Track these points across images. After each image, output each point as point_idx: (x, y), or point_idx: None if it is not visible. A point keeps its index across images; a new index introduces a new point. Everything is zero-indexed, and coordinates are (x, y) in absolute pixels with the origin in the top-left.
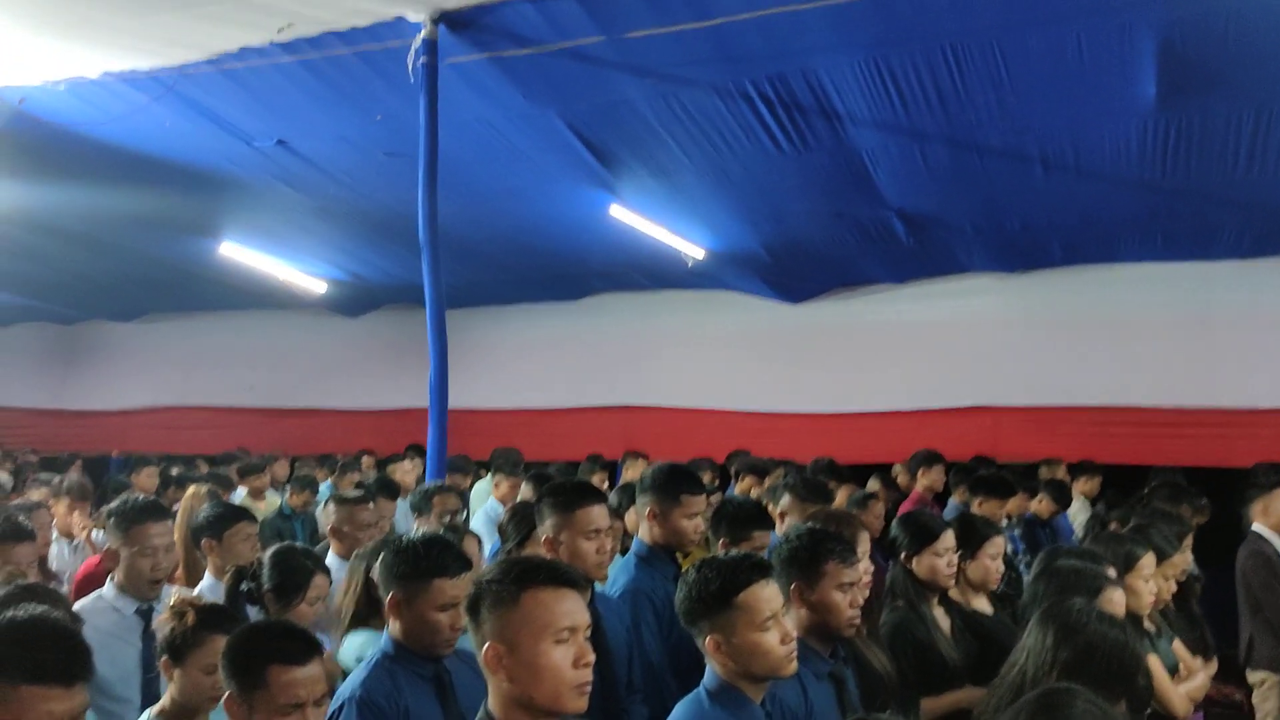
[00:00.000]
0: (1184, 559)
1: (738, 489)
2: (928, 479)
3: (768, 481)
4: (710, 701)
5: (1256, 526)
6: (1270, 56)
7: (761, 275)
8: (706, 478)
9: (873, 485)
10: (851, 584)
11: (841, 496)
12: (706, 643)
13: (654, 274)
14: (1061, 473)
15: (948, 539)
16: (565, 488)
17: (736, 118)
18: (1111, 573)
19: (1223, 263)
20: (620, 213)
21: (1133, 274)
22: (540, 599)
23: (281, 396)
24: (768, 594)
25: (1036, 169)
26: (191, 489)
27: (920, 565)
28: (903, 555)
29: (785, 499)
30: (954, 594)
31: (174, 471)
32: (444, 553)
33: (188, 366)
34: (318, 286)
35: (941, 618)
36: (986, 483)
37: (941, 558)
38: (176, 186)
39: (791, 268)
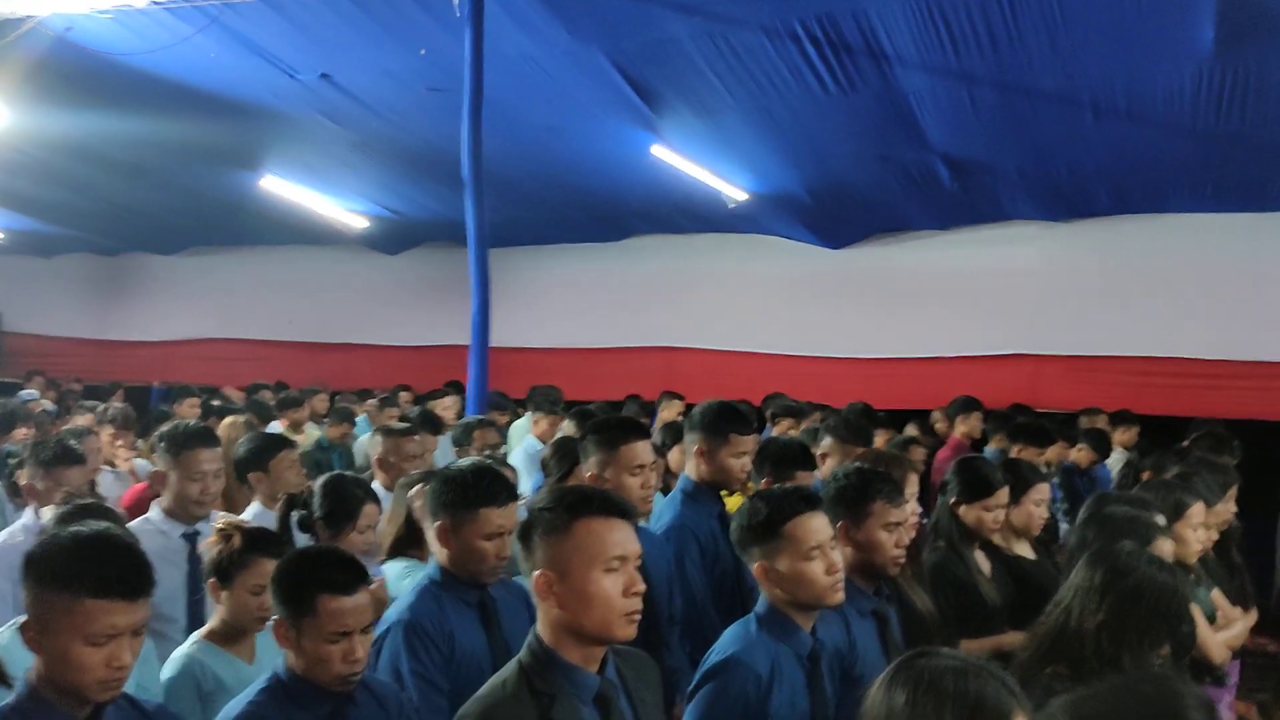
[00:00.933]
0: (1227, 509)
1: (774, 431)
2: (966, 425)
3: (804, 424)
4: (758, 627)
5: None
6: None
7: (803, 219)
8: None
9: (911, 431)
10: (898, 524)
11: (880, 441)
12: (756, 569)
13: (695, 216)
14: (1101, 422)
15: (1002, 496)
16: (610, 424)
17: (783, 57)
18: (1161, 520)
19: (1273, 214)
20: (662, 153)
21: (1180, 224)
22: (592, 528)
23: (321, 331)
24: (815, 525)
25: (1087, 114)
26: (229, 419)
27: (968, 513)
28: (952, 500)
29: (827, 441)
30: (996, 538)
31: (215, 403)
32: (493, 482)
33: (228, 300)
34: (358, 222)
35: (982, 561)
36: (1025, 430)
37: (991, 512)
38: (219, 119)
39: (833, 212)
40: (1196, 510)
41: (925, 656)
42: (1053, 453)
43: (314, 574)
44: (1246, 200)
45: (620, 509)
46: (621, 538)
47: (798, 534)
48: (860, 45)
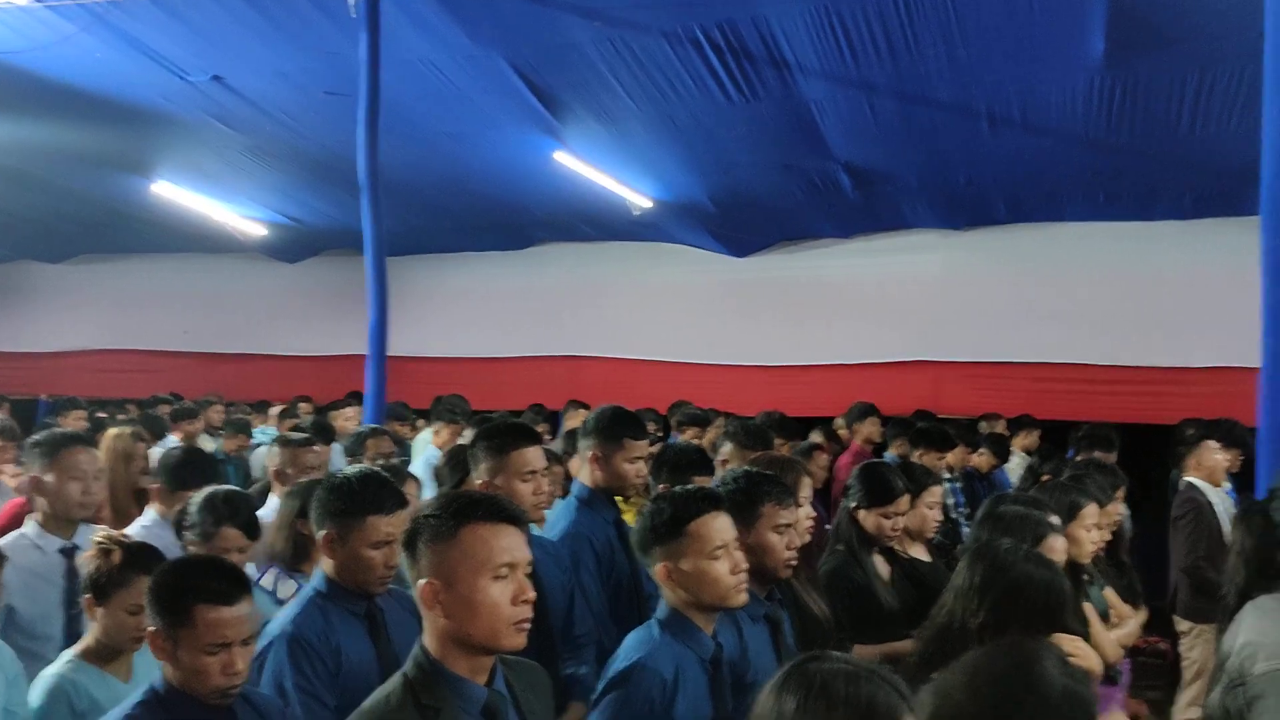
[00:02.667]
0: (1117, 509)
1: (679, 440)
2: (865, 431)
3: (709, 432)
4: (661, 630)
5: (1189, 478)
6: (1215, 16)
7: (707, 227)
8: (649, 428)
9: (815, 437)
10: (788, 525)
11: (781, 448)
12: (658, 570)
13: (599, 224)
14: (1001, 427)
15: (903, 504)
16: (499, 429)
17: (685, 64)
18: (1055, 520)
19: (1163, 223)
20: (565, 159)
21: (1075, 233)
22: (480, 534)
23: (218, 341)
24: (719, 524)
25: (983, 124)
26: (114, 431)
27: (869, 519)
28: (854, 505)
29: (727, 446)
30: (893, 543)
31: (101, 415)
32: (380, 489)
33: (120, 309)
34: (256, 230)
35: (881, 565)
36: (926, 435)
37: (890, 519)
38: (106, 121)
39: (737, 220)
40: (1090, 511)
41: (816, 660)
42: (953, 457)
43: (192, 583)
44: (1137, 209)
45: (509, 514)
46: (510, 544)
47: (702, 533)
48: (761, 53)
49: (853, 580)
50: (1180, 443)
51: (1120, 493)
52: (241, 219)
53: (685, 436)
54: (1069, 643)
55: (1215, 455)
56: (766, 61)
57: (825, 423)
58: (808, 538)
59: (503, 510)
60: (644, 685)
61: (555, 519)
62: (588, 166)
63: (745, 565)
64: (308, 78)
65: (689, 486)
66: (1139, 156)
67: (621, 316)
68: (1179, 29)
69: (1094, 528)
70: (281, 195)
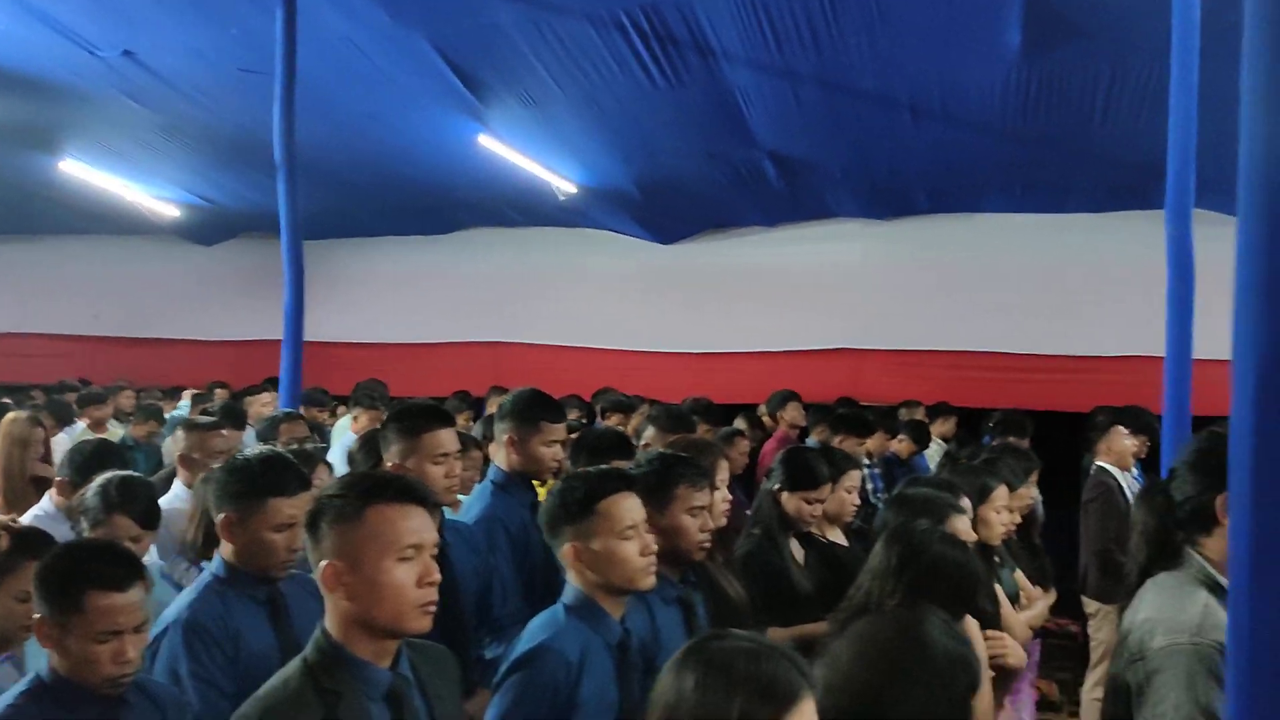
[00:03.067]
0: (1029, 492)
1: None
2: (788, 417)
3: (634, 418)
4: (567, 615)
5: (1100, 462)
6: (1127, 13)
7: (633, 214)
8: (573, 415)
9: (739, 424)
10: (702, 508)
11: (704, 433)
12: (566, 551)
13: (524, 209)
14: (920, 414)
15: (825, 490)
16: (411, 411)
17: (609, 48)
18: (965, 502)
19: (1077, 215)
20: (489, 143)
21: (993, 223)
22: (385, 514)
23: (130, 325)
24: (630, 505)
25: (905, 115)
26: (10, 415)
27: (789, 502)
28: (775, 488)
29: (649, 431)
30: (811, 527)
31: (5, 400)
32: (282, 471)
33: (26, 292)
34: (169, 211)
35: (796, 549)
36: (845, 421)
37: (811, 504)
38: (11, 96)
39: (663, 207)
40: (1000, 493)
41: (717, 639)
42: (873, 443)
43: (83, 568)
44: (1051, 201)
45: (416, 495)
46: (417, 525)
47: (613, 512)
48: (686, 38)
49: (768, 563)
50: (1092, 429)
51: (1032, 476)
52: (154, 199)
53: (610, 422)
54: (997, 641)
55: (1125, 440)
56: (691, 47)
57: (750, 409)
58: (723, 521)
59: (409, 491)
60: (548, 668)
61: (471, 502)
62: (512, 150)
63: (655, 547)
64: (222, 55)
65: (601, 466)
66: (1054, 149)
67: (548, 302)
68: (1092, 24)
69: (1004, 510)
70: (196, 175)
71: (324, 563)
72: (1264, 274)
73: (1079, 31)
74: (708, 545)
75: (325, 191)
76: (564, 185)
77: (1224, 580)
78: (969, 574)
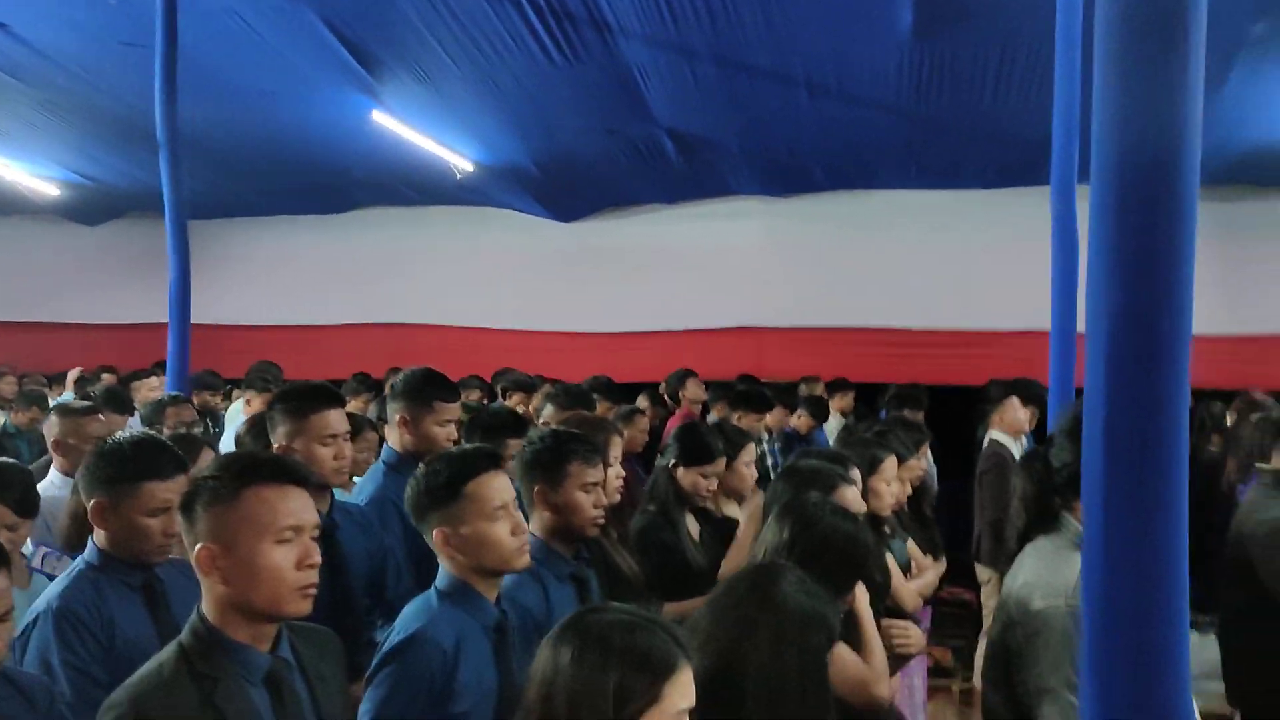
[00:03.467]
0: (919, 464)
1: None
2: (688, 394)
3: (535, 398)
4: (440, 600)
5: (994, 434)
6: None
7: (533, 192)
8: (475, 395)
9: (641, 402)
10: (596, 484)
11: (604, 411)
12: (435, 536)
13: (422, 187)
14: (819, 390)
15: (720, 464)
16: (297, 392)
17: (505, 23)
18: (854, 474)
19: (970, 192)
20: (383, 120)
21: (889, 201)
22: (262, 496)
23: (11, 309)
24: (498, 484)
25: (801, 92)
26: None
27: (685, 477)
28: (671, 463)
29: (547, 409)
30: (708, 502)
31: None
32: (157, 454)
33: None
34: (49, 189)
35: (692, 524)
36: (744, 397)
37: (707, 478)
38: None
39: (563, 185)
40: (889, 464)
41: (594, 613)
42: (772, 418)
43: None
44: (945, 178)
45: (295, 475)
46: (296, 506)
47: (481, 493)
48: (583, 14)
49: (663, 539)
50: (985, 401)
51: (922, 448)
52: (34, 178)
53: (511, 403)
54: (899, 630)
55: (1017, 412)
56: (588, 23)
57: (654, 388)
58: (617, 497)
59: (287, 471)
60: (422, 658)
61: (363, 484)
62: (407, 128)
63: (525, 526)
64: (103, 28)
65: (464, 446)
66: (947, 127)
67: (448, 282)
68: (982, 4)
69: (894, 481)
70: (78, 153)
71: (199, 546)
72: (1112, 244)
73: (968, 12)
74: (602, 522)
75: (214, 170)
76: (461, 163)
77: None
78: (859, 545)
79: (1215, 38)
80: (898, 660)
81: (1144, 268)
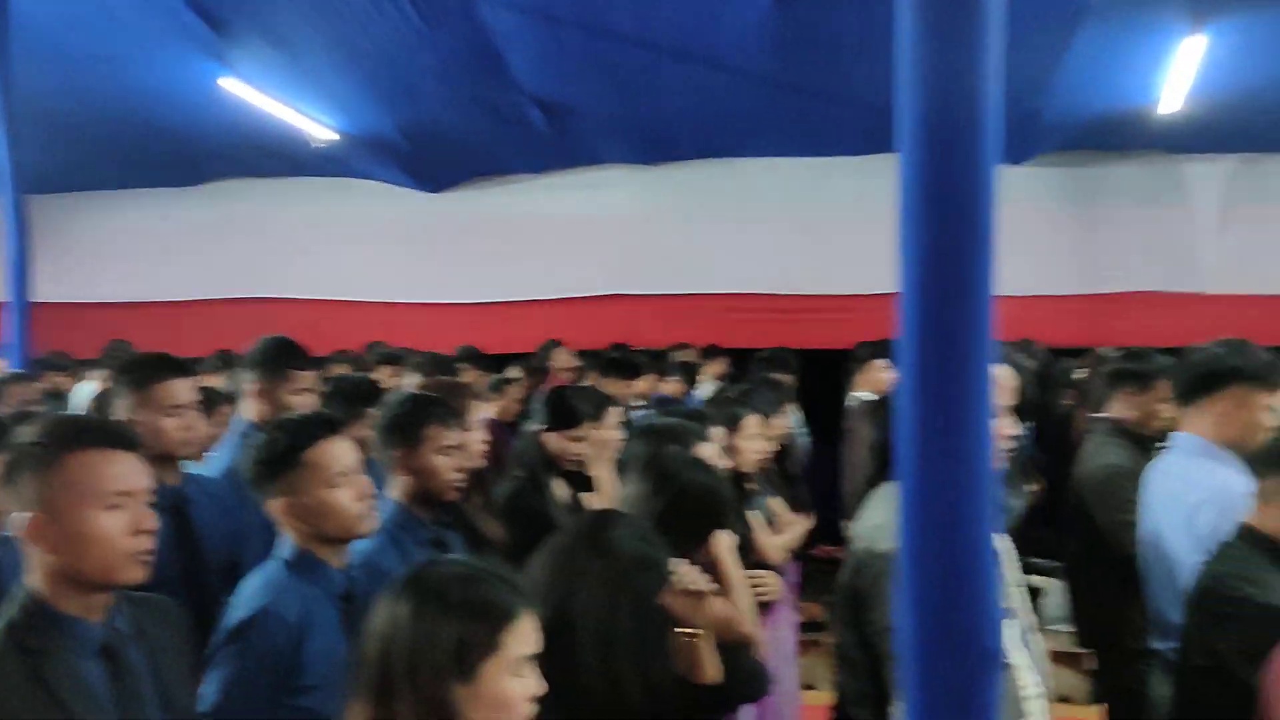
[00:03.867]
0: (783, 423)
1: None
2: (559, 363)
3: (405, 371)
4: (286, 572)
5: (860, 394)
6: None
7: (398, 162)
8: (341, 369)
9: (514, 372)
10: (455, 447)
11: (473, 379)
12: (276, 507)
13: (281, 158)
14: (691, 356)
15: (585, 430)
16: (139, 363)
17: None
18: (713, 431)
19: (836, 159)
20: (234, 87)
21: (756, 168)
22: (87, 461)
23: None
24: (340, 450)
25: (666, 59)
26: None
27: (552, 442)
28: (538, 428)
29: (414, 379)
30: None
31: None
32: None
33: None
34: None
35: (561, 488)
36: (613, 364)
37: (577, 443)
38: None
39: (429, 155)
40: (751, 421)
41: (432, 565)
42: (644, 384)
43: None
44: (812, 145)
45: (123, 439)
46: (124, 471)
47: (321, 460)
48: None
49: (530, 504)
50: (853, 362)
51: (786, 408)
52: None
53: (380, 375)
54: (757, 578)
55: (882, 373)
56: None
57: (527, 358)
58: (480, 462)
59: (115, 435)
60: (267, 634)
61: (216, 456)
62: (261, 95)
63: (371, 490)
64: None
65: (303, 412)
66: (811, 94)
67: (312, 256)
68: None
69: (757, 438)
70: None
71: (25, 515)
72: (918, 206)
73: None
74: (462, 485)
75: (55, 142)
76: (321, 132)
77: None
78: (718, 497)
79: (1058, 4)
80: (759, 608)
81: (946, 225)
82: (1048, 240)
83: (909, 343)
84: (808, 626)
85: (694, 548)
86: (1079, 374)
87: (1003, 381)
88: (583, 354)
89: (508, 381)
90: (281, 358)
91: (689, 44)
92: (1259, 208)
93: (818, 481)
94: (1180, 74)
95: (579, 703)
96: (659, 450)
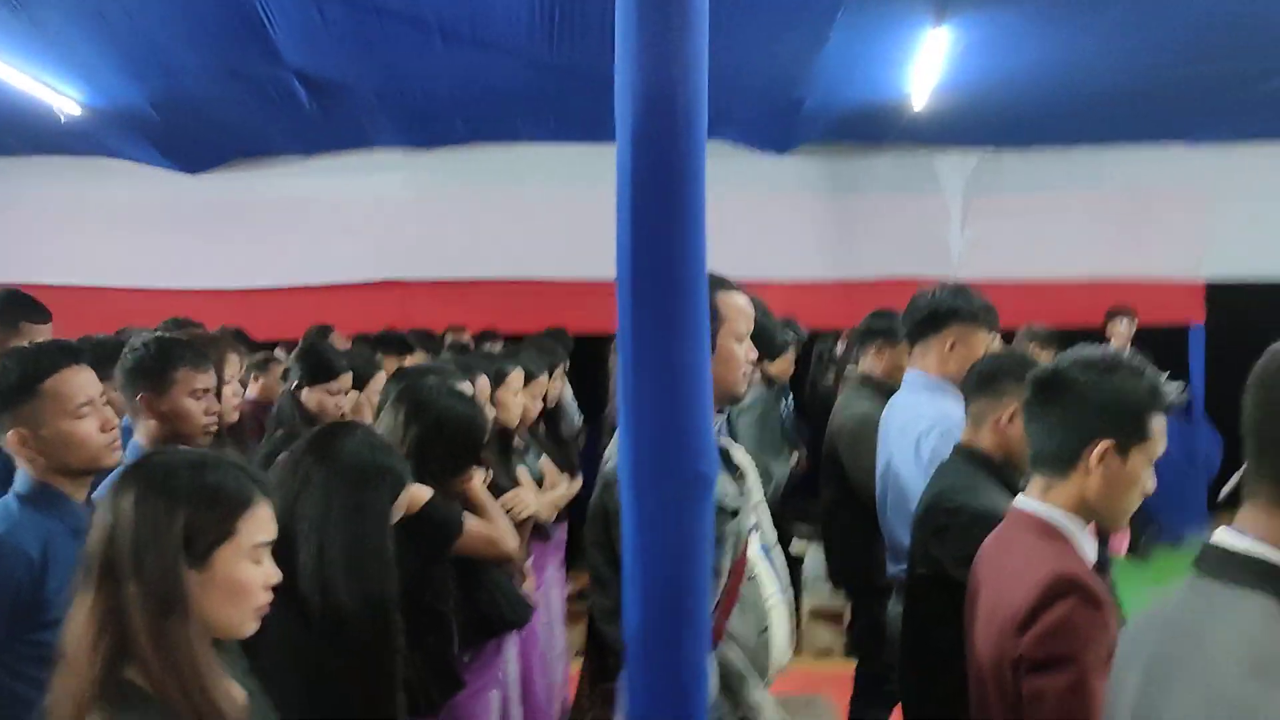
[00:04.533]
0: (553, 385)
1: None
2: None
3: None
4: (21, 505)
5: None
6: None
7: (153, 140)
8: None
9: (279, 353)
10: (205, 390)
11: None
12: (10, 439)
13: (25, 134)
14: (465, 337)
15: (345, 380)
16: None
17: None
18: (478, 381)
19: (607, 145)
20: None
21: (529, 153)
22: None
23: None
24: (81, 380)
25: (435, 38)
26: None
27: (310, 398)
28: (294, 385)
29: None
30: None
31: None
32: None
33: None
34: None
35: None
36: (384, 342)
37: (334, 396)
38: None
39: (187, 132)
40: (515, 376)
41: (158, 455)
42: (416, 361)
43: None
44: (584, 131)
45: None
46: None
47: (61, 390)
48: None
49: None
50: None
51: (559, 370)
52: None
53: None
54: (512, 497)
55: None
56: None
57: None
58: (235, 416)
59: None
60: (3, 569)
61: None
62: (1, 64)
63: (115, 421)
64: None
65: (40, 341)
66: (582, 78)
67: (63, 240)
68: None
69: (521, 394)
70: None
71: None
72: (627, 190)
73: None
74: (213, 429)
75: None
76: (67, 106)
77: None
78: (474, 426)
79: None
80: (524, 527)
81: (660, 207)
82: (810, 228)
83: (624, 326)
84: (578, 597)
85: (450, 478)
86: (838, 351)
87: (743, 309)
88: (354, 339)
89: (272, 360)
90: (13, 310)
91: (458, 24)
92: (1000, 199)
93: (590, 460)
94: (927, 68)
95: (300, 611)
96: (415, 382)
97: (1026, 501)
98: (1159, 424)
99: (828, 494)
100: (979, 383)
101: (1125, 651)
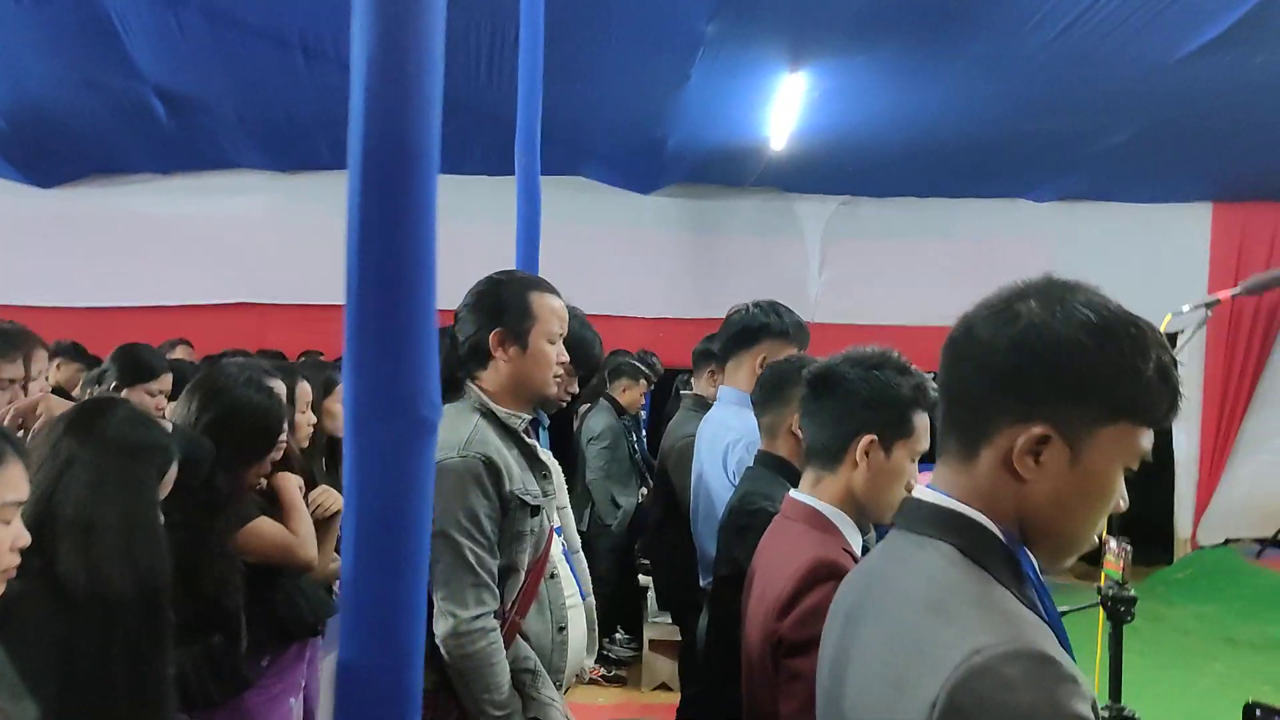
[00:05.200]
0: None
1: None
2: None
3: None
4: None
5: None
6: None
7: (3, 151)
8: None
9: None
10: (11, 380)
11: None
12: None
13: None
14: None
15: (165, 381)
16: None
17: None
18: (303, 387)
19: (475, 178)
20: None
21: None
22: None
23: None
24: None
25: (298, 57)
26: None
27: (131, 396)
28: (113, 385)
29: None
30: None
31: None
32: None
33: None
34: None
35: None
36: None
37: (154, 397)
38: None
39: (38, 144)
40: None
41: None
42: None
43: None
44: (450, 162)
45: None
46: None
47: None
48: None
49: None
50: None
51: (337, 392)
52: None
53: None
54: (321, 493)
55: None
56: None
57: None
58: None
59: None
60: None
61: None
62: None
63: None
64: None
65: None
66: (451, 108)
67: None
68: None
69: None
70: None
71: None
72: (356, 219)
73: None
74: (5, 424)
75: None
76: None
77: (495, 407)
78: (268, 416)
79: (675, 37)
80: (327, 524)
81: (386, 240)
82: (673, 266)
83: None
84: None
85: (241, 468)
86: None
87: (556, 310)
88: (203, 360)
89: (107, 374)
90: None
91: (321, 42)
92: (857, 244)
93: None
94: (785, 112)
95: (60, 595)
96: (213, 371)
97: (799, 494)
98: (922, 421)
99: (656, 513)
100: (764, 394)
101: (833, 607)
